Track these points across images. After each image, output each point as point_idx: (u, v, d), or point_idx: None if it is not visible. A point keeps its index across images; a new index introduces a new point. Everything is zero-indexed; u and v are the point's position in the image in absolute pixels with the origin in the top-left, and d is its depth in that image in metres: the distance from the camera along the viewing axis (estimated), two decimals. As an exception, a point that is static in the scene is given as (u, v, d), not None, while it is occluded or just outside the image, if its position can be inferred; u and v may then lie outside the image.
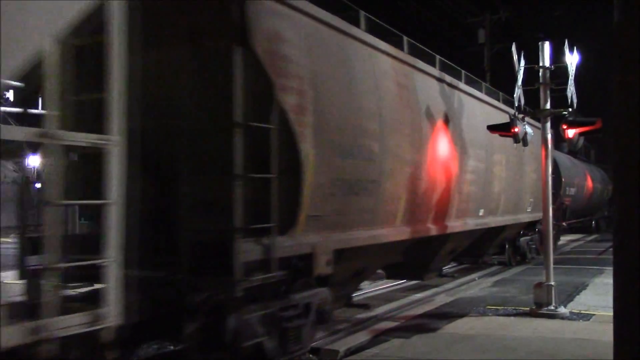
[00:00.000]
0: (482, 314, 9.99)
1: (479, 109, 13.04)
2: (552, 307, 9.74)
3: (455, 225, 11.43)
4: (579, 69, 10.44)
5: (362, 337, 8.73)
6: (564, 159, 26.17)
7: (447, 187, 10.75)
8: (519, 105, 10.16)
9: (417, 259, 10.96)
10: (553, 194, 17.59)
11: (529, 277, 13.81)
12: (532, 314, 9.75)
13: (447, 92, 11.16)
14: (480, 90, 13.91)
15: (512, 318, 9.67)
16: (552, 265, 10.09)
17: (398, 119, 9.09)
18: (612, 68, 3.69)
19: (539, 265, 14.50)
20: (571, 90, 10.03)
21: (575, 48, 10.30)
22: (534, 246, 18.05)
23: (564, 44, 10.19)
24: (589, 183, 30.70)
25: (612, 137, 3.90)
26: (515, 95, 10.04)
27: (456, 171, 11.21)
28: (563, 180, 21.45)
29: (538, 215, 16.14)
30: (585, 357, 7.20)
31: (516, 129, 10.00)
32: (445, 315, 9.97)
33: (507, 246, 16.90)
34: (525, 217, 16.42)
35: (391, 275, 12.26)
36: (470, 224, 12.34)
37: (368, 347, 8.13)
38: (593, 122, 10.14)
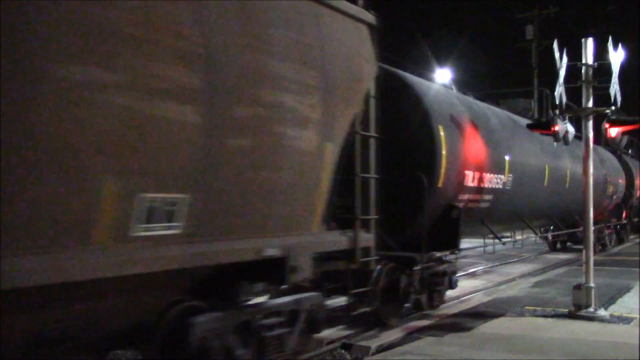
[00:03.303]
0: (519, 315, 9.87)
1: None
2: (592, 310, 9.55)
3: None
4: (626, 66, 10.17)
5: (394, 334, 8.75)
6: (473, 111, 11.62)
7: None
8: (560, 102, 9.98)
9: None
10: (410, 181, 8.92)
11: (571, 278, 13.52)
12: (570, 316, 9.58)
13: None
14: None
15: (549, 319, 9.51)
16: (592, 267, 9.88)
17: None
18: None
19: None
20: (615, 88, 9.78)
21: (620, 45, 10.03)
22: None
23: (615, 41, 9.91)
24: (567, 167, 16.01)
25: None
26: (556, 93, 9.85)
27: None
28: (444, 153, 9.50)
29: (340, 241, 6.87)
30: (620, 361, 7.06)
31: (556, 128, 9.83)
32: (481, 315, 9.89)
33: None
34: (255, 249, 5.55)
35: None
36: None
37: (400, 344, 8.15)
38: (637, 121, 9.87)
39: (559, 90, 9.91)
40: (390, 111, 8.51)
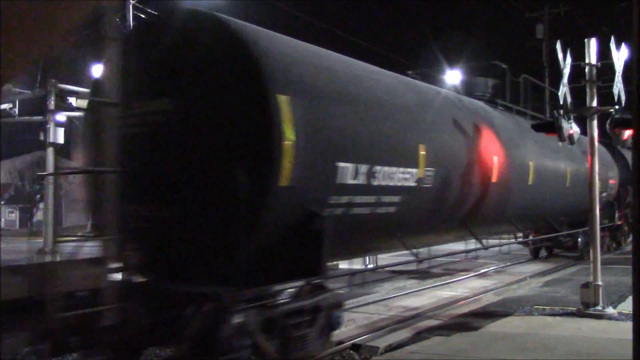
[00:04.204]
0: (528, 314, 9.95)
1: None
2: (600, 308, 9.62)
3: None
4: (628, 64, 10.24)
5: (403, 334, 8.89)
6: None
7: None
8: (565, 102, 10.05)
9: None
10: (226, 179, 5.99)
11: (583, 277, 13.51)
12: (578, 314, 9.65)
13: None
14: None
15: (558, 318, 9.59)
16: (599, 265, 9.94)
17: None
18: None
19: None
20: (618, 87, 9.85)
21: (623, 43, 10.09)
22: None
23: (624, 39, 9.97)
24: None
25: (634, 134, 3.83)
26: (560, 93, 9.94)
27: None
28: (289, 136, 6.22)
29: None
30: (623, 357, 7.12)
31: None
32: (491, 314, 9.98)
33: None
34: None
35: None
36: None
37: (408, 344, 8.27)
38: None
39: (563, 90, 9.99)
40: (190, 69, 6.26)
